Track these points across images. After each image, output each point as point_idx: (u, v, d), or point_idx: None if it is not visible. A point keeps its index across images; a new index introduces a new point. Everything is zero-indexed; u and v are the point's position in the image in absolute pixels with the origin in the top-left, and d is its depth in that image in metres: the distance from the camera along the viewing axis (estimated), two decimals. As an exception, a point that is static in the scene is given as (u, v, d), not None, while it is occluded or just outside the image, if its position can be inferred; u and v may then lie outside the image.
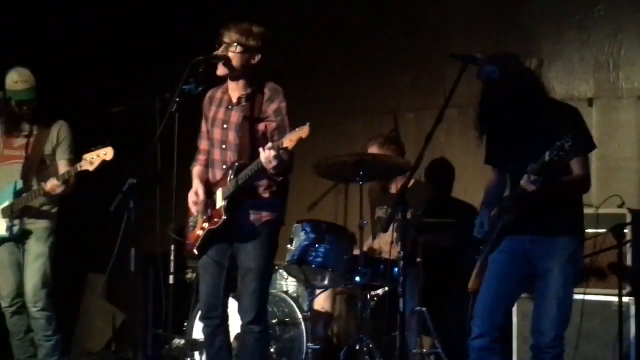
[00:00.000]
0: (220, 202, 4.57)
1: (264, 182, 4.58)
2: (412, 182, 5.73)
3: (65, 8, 7.40)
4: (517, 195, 4.23)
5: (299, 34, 6.88)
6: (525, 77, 4.32)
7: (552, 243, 4.28)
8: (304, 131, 4.21)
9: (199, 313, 5.04)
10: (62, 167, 5.59)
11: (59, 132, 5.69)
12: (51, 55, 6.78)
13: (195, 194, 4.64)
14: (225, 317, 4.72)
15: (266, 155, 4.25)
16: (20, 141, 5.68)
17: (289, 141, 4.24)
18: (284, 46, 6.58)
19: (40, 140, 5.66)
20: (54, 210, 5.69)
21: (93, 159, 5.26)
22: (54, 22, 7.34)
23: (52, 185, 5.41)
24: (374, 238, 5.90)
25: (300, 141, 4.22)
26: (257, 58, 4.56)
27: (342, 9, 6.90)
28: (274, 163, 4.26)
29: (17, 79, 5.56)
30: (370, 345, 5.28)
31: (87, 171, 5.31)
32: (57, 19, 7.36)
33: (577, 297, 5.08)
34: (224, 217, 4.53)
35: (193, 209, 4.67)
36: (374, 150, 5.85)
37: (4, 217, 5.57)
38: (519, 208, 4.25)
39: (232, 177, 4.52)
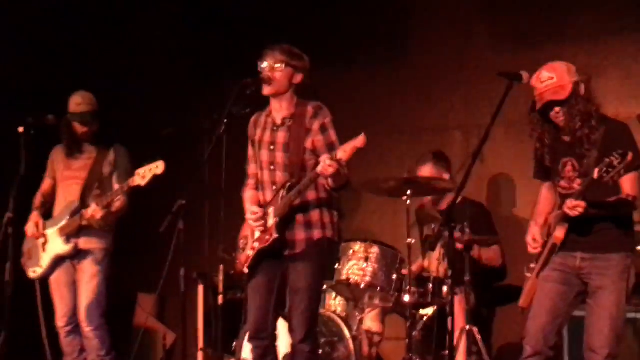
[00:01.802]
0: (271, 220, 4.59)
1: (313, 199, 4.61)
2: (459, 198, 5.74)
3: (115, 34, 7.55)
4: (563, 215, 4.21)
5: (346, 53, 6.90)
6: (578, 93, 4.29)
7: (603, 260, 4.24)
8: (359, 141, 4.29)
9: (248, 333, 5.04)
10: None
11: (116, 156, 5.83)
12: (105, 80, 6.89)
13: (252, 213, 4.66)
14: (274, 338, 4.74)
15: (323, 165, 4.30)
16: (80, 163, 5.82)
17: (343, 152, 4.31)
18: (331, 66, 6.61)
19: (98, 162, 5.80)
20: (110, 231, 5.79)
21: (145, 173, 5.32)
22: (106, 48, 7.48)
23: (93, 211, 5.53)
24: (423, 257, 5.88)
25: (356, 151, 4.28)
26: (299, 77, 4.63)
27: (390, 28, 6.91)
28: (330, 171, 4.30)
29: (79, 102, 5.75)
30: (420, 364, 5.27)
31: (139, 186, 5.36)
32: (108, 44, 7.49)
33: (630, 315, 5.05)
34: (275, 236, 4.55)
35: (257, 225, 4.65)
36: (426, 169, 5.83)
37: (61, 235, 5.68)
38: (568, 226, 4.22)
39: (283, 194, 4.56)
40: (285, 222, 4.56)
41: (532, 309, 4.37)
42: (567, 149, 4.32)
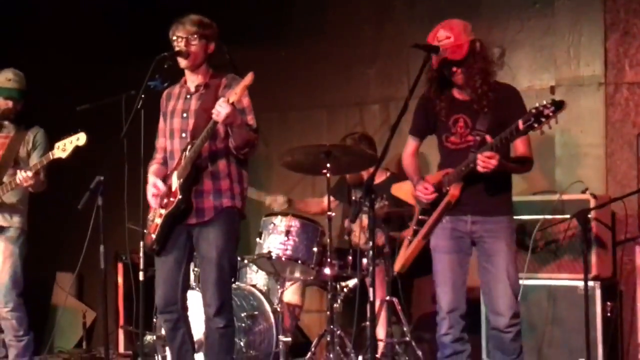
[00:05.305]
0: (175, 183, 4.57)
1: (223, 168, 4.60)
2: (387, 174, 5.80)
3: (34, 10, 7.40)
4: (466, 173, 4.28)
5: (264, 27, 6.88)
6: (475, 51, 4.35)
7: (493, 222, 4.34)
8: (247, 79, 4.31)
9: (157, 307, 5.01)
10: None
11: (35, 137, 5.75)
12: (21, 56, 6.76)
13: (154, 187, 4.64)
14: (184, 310, 4.71)
15: (216, 108, 4.31)
16: None
17: (234, 94, 4.31)
18: (248, 40, 6.59)
19: (16, 141, 5.71)
20: (24, 210, 5.70)
21: (65, 146, 5.20)
22: (24, 22, 7.35)
23: (24, 176, 5.35)
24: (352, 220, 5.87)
25: (246, 90, 4.32)
26: (212, 46, 4.67)
27: (309, 2, 6.92)
28: (224, 113, 4.29)
29: (10, 77, 5.70)
30: (341, 336, 5.32)
31: (60, 159, 5.24)
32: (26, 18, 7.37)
33: (544, 282, 5.21)
34: (179, 197, 4.52)
35: (153, 201, 4.66)
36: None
37: None
38: (464, 186, 4.30)
39: (185, 155, 4.55)
40: (190, 183, 4.54)
41: (438, 285, 4.44)
42: (459, 106, 4.38)
